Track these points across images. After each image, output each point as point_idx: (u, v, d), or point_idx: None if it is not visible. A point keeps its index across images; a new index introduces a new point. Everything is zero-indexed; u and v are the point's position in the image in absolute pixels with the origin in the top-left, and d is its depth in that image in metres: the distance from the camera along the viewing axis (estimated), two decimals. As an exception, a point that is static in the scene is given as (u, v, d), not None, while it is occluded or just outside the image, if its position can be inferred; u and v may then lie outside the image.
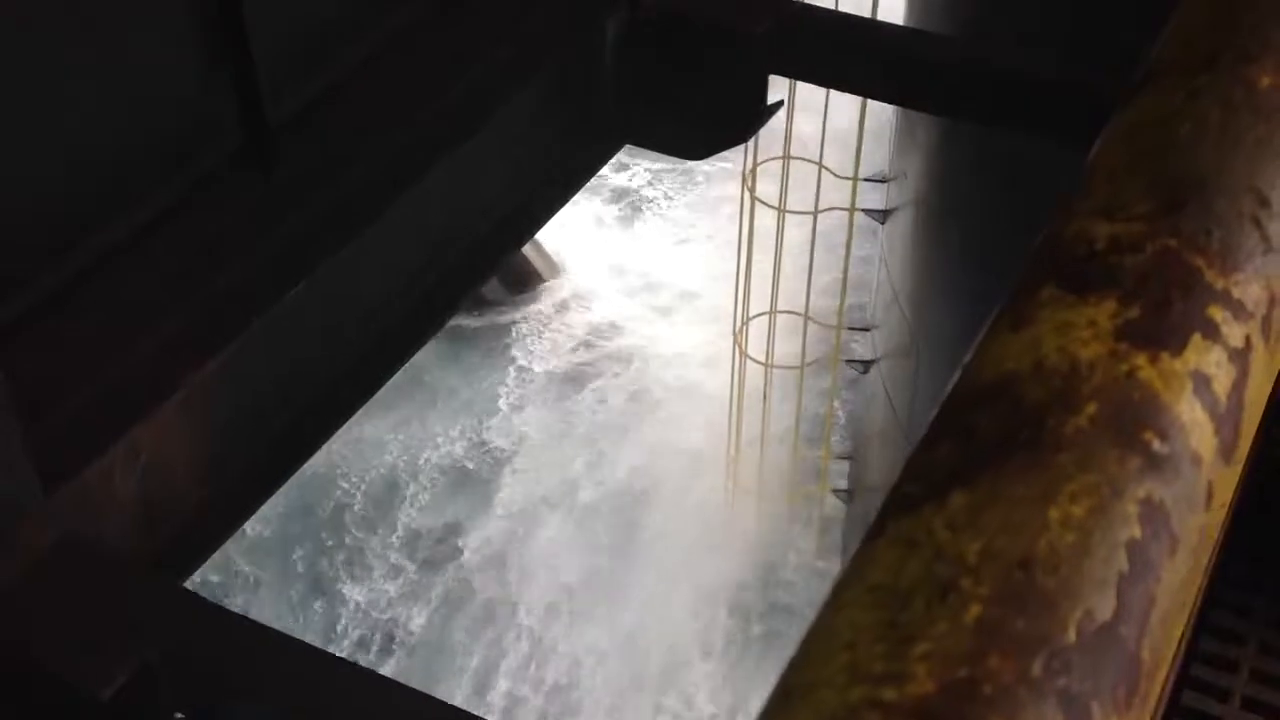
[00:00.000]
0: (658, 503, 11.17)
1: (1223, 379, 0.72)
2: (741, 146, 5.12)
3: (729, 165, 10.24)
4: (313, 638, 10.56)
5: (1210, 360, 0.72)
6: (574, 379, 12.49)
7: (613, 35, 4.13)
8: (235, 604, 10.77)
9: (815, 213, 9.47)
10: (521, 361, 12.66)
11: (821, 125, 9.24)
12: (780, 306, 9.96)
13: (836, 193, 9.42)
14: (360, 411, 3.63)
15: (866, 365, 9.83)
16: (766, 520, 10.96)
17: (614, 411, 12.09)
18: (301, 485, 11.10)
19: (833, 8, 5.14)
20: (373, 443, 11.92)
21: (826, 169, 9.40)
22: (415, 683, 4.56)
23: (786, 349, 10.14)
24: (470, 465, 11.99)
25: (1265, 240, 0.77)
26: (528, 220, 4.23)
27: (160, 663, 2.63)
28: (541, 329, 12.92)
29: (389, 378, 3.79)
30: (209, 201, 3.24)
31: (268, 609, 11.21)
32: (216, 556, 3.37)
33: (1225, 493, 0.71)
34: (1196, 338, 0.73)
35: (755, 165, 9.34)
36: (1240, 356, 0.73)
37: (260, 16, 3.15)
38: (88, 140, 2.96)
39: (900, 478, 0.67)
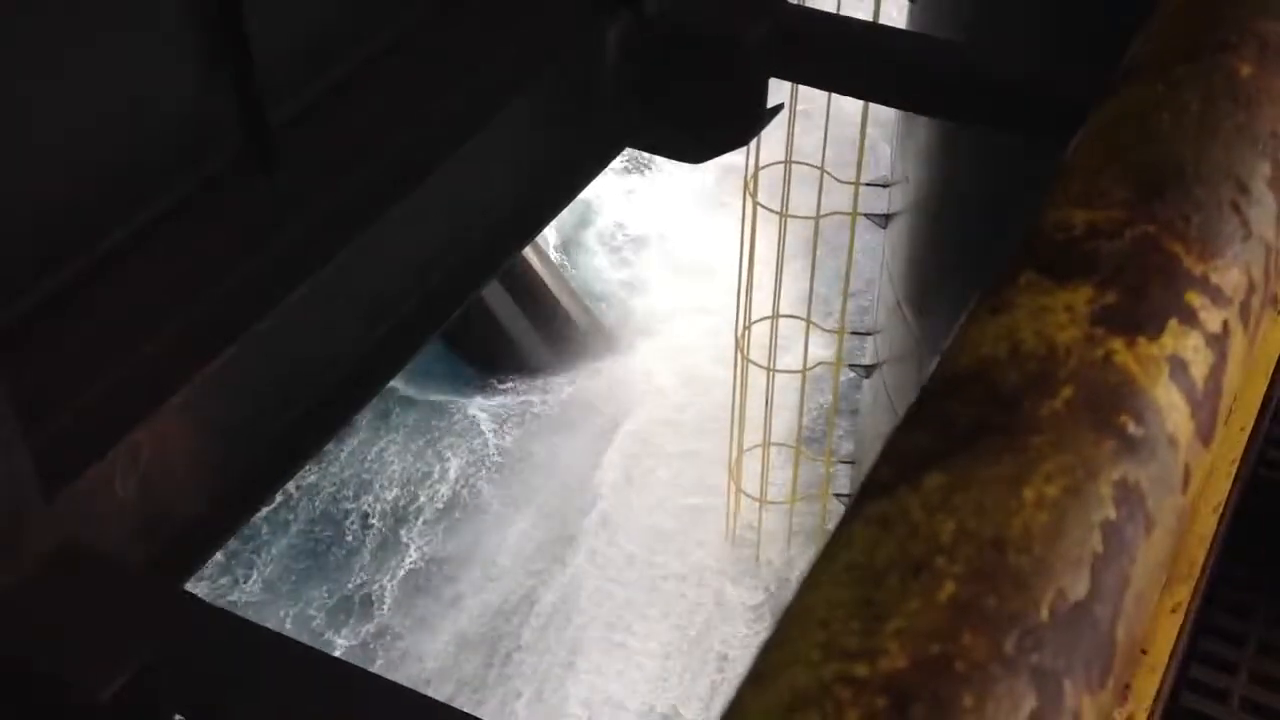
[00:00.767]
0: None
1: (1200, 364, 0.72)
2: (742, 150, 5.12)
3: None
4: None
5: (1188, 345, 0.72)
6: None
7: (614, 39, 4.14)
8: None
9: (817, 217, 9.47)
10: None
11: (824, 130, 9.25)
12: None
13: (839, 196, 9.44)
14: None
15: (869, 370, 9.82)
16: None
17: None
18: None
19: (833, 12, 5.14)
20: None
21: (828, 174, 9.41)
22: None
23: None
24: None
25: (1244, 226, 0.77)
26: (529, 222, 4.23)
27: (160, 664, 2.63)
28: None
29: (389, 380, 3.80)
30: (210, 204, 3.24)
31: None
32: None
33: (1202, 476, 0.71)
34: (1174, 323, 0.73)
35: (757, 170, 9.35)
36: (1218, 342, 0.73)
37: (261, 20, 3.15)
38: (89, 143, 2.97)
39: (877, 461, 0.68)
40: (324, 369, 3.51)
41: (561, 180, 4.29)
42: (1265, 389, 2.83)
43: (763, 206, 9.38)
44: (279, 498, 10.92)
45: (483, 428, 12.37)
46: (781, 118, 4.98)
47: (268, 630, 3.01)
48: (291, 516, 11.64)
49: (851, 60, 4.49)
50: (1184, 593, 2.54)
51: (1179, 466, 0.68)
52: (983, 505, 0.62)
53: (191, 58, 3.11)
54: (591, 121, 4.25)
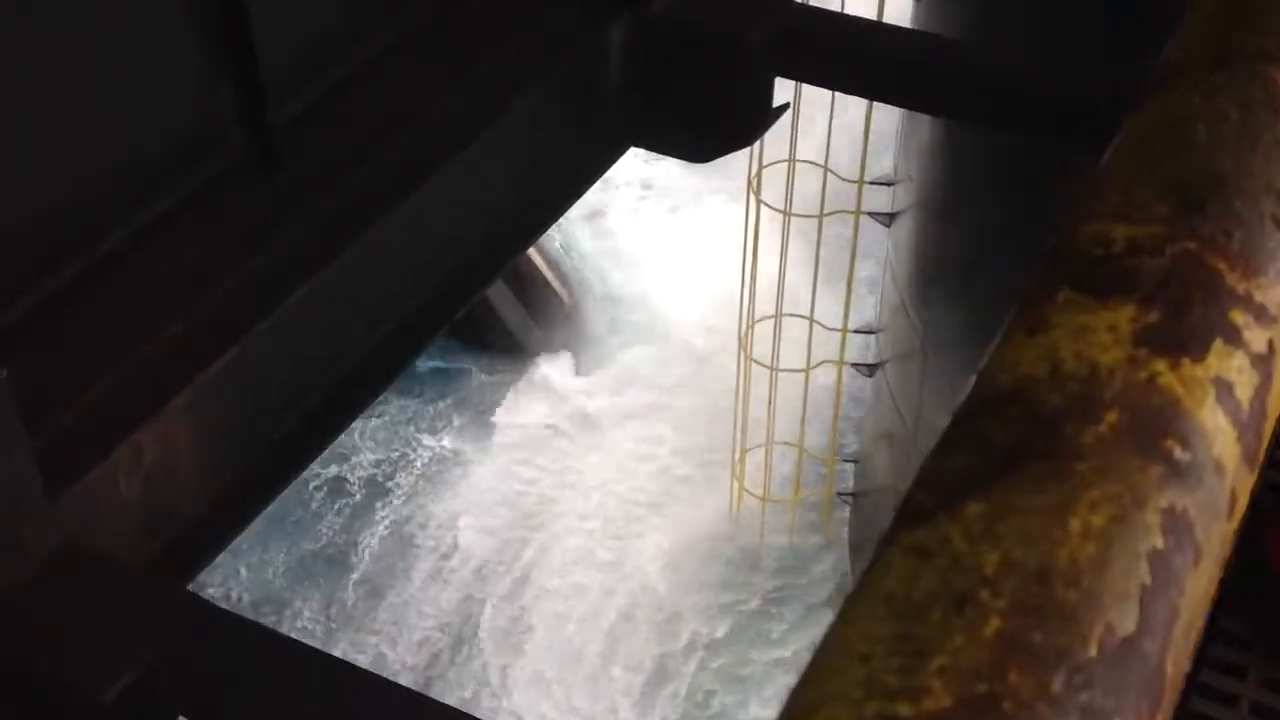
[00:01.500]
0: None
1: (1245, 385, 0.70)
2: (746, 149, 5.10)
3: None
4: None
5: (1232, 366, 0.70)
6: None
7: (618, 38, 4.12)
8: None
9: (820, 216, 9.46)
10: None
11: (828, 128, 9.23)
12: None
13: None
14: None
15: (872, 368, 9.81)
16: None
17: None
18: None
19: (838, 10, 5.12)
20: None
21: (832, 172, 9.39)
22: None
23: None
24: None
25: (1287, 242, 0.75)
26: (533, 223, 4.22)
27: (162, 665, 2.62)
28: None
29: (392, 380, 3.78)
30: (212, 204, 3.23)
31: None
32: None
33: (1245, 500, 0.69)
34: (1218, 343, 0.71)
35: (760, 168, 9.33)
36: (1263, 362, 0.71)
37: (264, 20, 3.14)
38: (91, 143, 2.95)
39: (913, 486, 0.66)
40: (326, 369, 3.49)
41: (565, 180, 4.27)
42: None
43: (766, 205, 9.36)
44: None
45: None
46: (786, 116, 4.95)
47: (271, 631, 3.00)
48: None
49: (856, 59, 4.47)
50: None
51: (1225, 492, 0.66)
52: (1027, 535, 0.60)
53: (194, 57, 3.09)
54: (595, 121, 4.23)
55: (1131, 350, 0.69)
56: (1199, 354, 0.70)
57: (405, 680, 9.90)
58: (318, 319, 3.34)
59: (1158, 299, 0.71)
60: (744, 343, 10.16)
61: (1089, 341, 0.69)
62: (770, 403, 10.30)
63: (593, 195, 4.78)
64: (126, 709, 2.58)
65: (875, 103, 7.50)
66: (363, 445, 12.12)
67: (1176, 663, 0.60)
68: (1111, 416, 0.65)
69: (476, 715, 3.23)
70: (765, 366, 10.10)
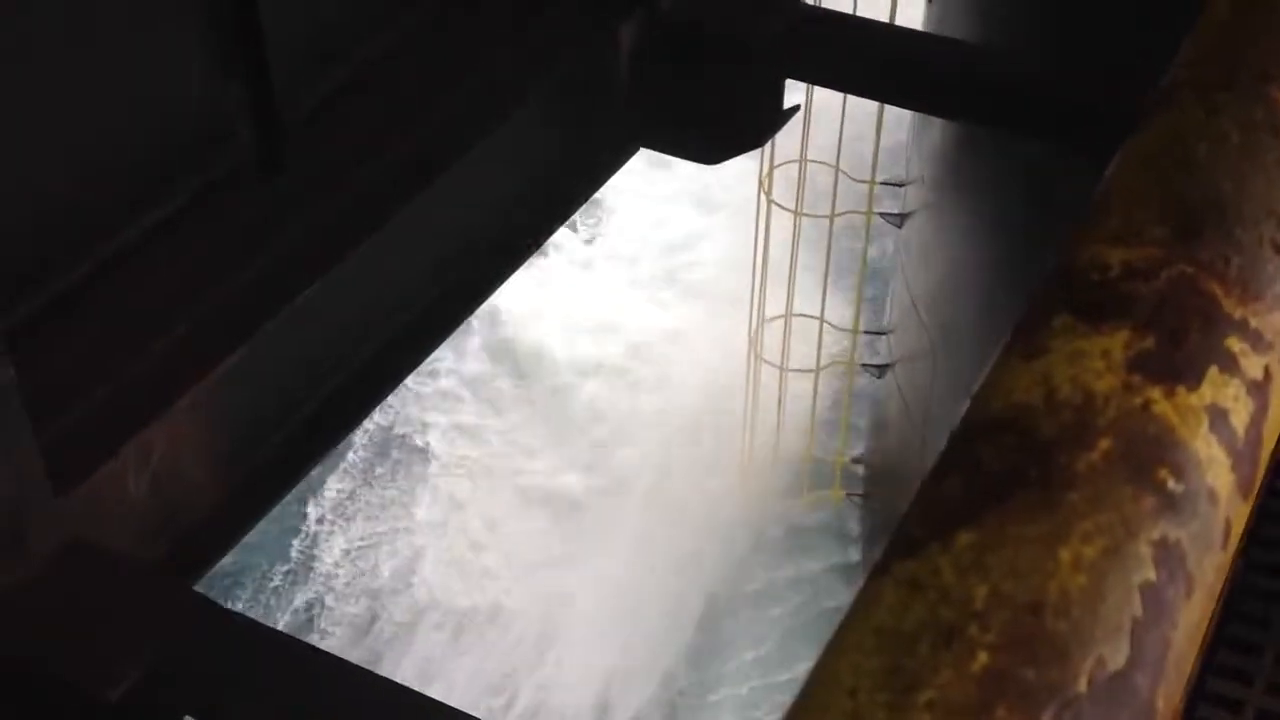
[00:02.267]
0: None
1: (1241, 413, 0.69)
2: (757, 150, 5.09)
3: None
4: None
5: (1228, 394, 0.70)
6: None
7: (628, 38, 4.11)
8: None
9: (831, 216, 9.44)
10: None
11: (839, 129, 9.22)
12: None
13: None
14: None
15: (882, 369, 9.80)
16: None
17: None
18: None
19: (850, 12, 5.11)
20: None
21: (843, 173, 9.37)
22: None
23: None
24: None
25: (1286, 267, 0.74)
26: (542, 223, 4.21)
27: (169, 665, 2.62)
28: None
29: (402, 380, 3.78)
30: (220, 203, 3.23)
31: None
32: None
33: (1240, 529, 0.69)
34: (1214, 370, 0.70)
35: (772, 168, 9.32)
36: (1259, 390, 0.71)
37: (274, 19, 3.14)
38: (99, 142, 2.95)
39: (906, 515, 0.65)
40: (334, 369, 3.49)
41: (574, 181, 4.26)
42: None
43: (777, 205, 9.35)
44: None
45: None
46: (797, 117, 4.94)
47: (279, 632, 3.00)
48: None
49: (867, 61, 4.46)
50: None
51: (1220, 522, 0.66)
52: (1017, 567, 0.60)
53: (203, 56, 3.09)
54: (604, 121, 4.22)
55: (1126, 377, 0.68)
56: (1194, 381, 0.69)
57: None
58: (325, 319, 3.34)
59: (1153, 325, 0.71)
60: (754, 342, 10.15)
61: (1083, 368, 0.68)
62: (779, 403, 10.28)
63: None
64: (131, 709, 2.59)
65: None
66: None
67: (1168, 697, 0.59)
68: (1105, 445, 0.65)
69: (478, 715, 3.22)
70: (775, 366, 10.09)
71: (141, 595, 2.75)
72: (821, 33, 4.40)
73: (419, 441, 12.02)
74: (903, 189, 9.21)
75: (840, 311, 10.17)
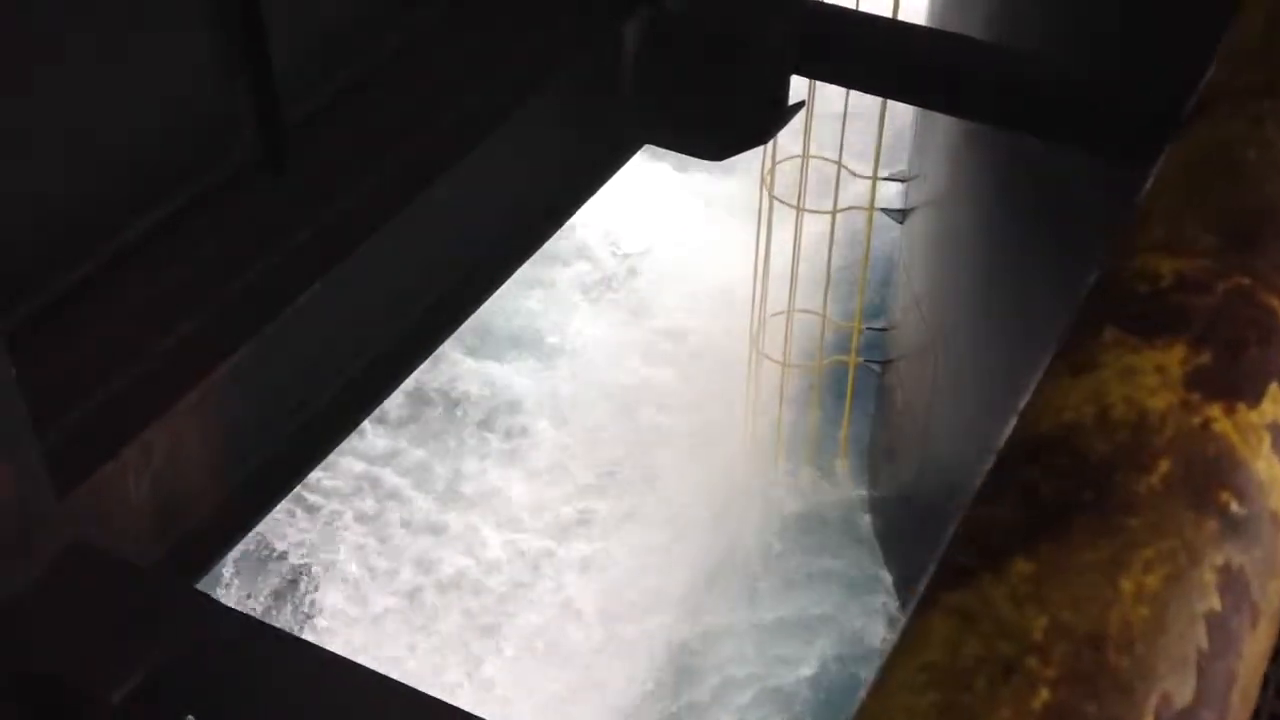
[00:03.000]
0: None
1: (1303, 431, 0.66)
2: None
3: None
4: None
5: (1289, 411, 0.67)
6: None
7: (633, 36, 4.09)
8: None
9: (834, 212, 9.42)
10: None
11: (841, 125, 9.19)
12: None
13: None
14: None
15: (884, 365, 9.78)
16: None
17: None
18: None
19: (853, 8, 5.08)
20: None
21: (845, 168, 9.34)
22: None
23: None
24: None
25: (1342, 278, 0.71)
26: (547, 221, 4.19)
27: (171, 665, 2.60)
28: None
29: (403, 379, 3.76)
30: (225, 203, 3.21)
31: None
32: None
33: (1302, 552, 0.66)
34: (1274, 386, 0.67)
35: (774, 164, 9.29)
36: (1320, 406, 0.68)
37: (279, 20, 3.11)
38: (104, 142, 2.93)
39: (952, 541, 0.62)
40: (336, 369, 3.47)
41: (579, 178, 4.24)
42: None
43: (779, 200, 9.32)
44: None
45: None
46: (800, 113, 4.91)
47: (281, 631, 2.97)
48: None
49: (871, 57, 4.44)
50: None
51: (1282, 546, 0.63)
52: (1077, 597, 0.57)
53: (208, 57, 3.07)
54: (609, 119, 4.20)
55: (1183, 394, 0.65)
56: (1254, 398, 0.66)
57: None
58: (328, 319, 3.32)
59: (1209, 339, 0.68)
60: (756, 338, 10.13)
61: (1137, 384, 0.65)
62: (780, 399, 10.26)
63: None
64: (135, 710, 2.57)
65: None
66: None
67: (1233, 730, 0.57)
68: (1164, 466, 0.62)
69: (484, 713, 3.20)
70: (776, 362, 10.07)
71: (143, 595, 2.73)
72: (825, 29, 4.38)
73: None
74: (905, 184, 9.19)
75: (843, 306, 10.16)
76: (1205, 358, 0.67)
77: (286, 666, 2.76)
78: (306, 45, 3.31)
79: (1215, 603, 0.59)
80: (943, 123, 7.65)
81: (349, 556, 10.65)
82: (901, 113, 8.78)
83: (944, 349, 8.17)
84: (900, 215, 9.18)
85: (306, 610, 10.36)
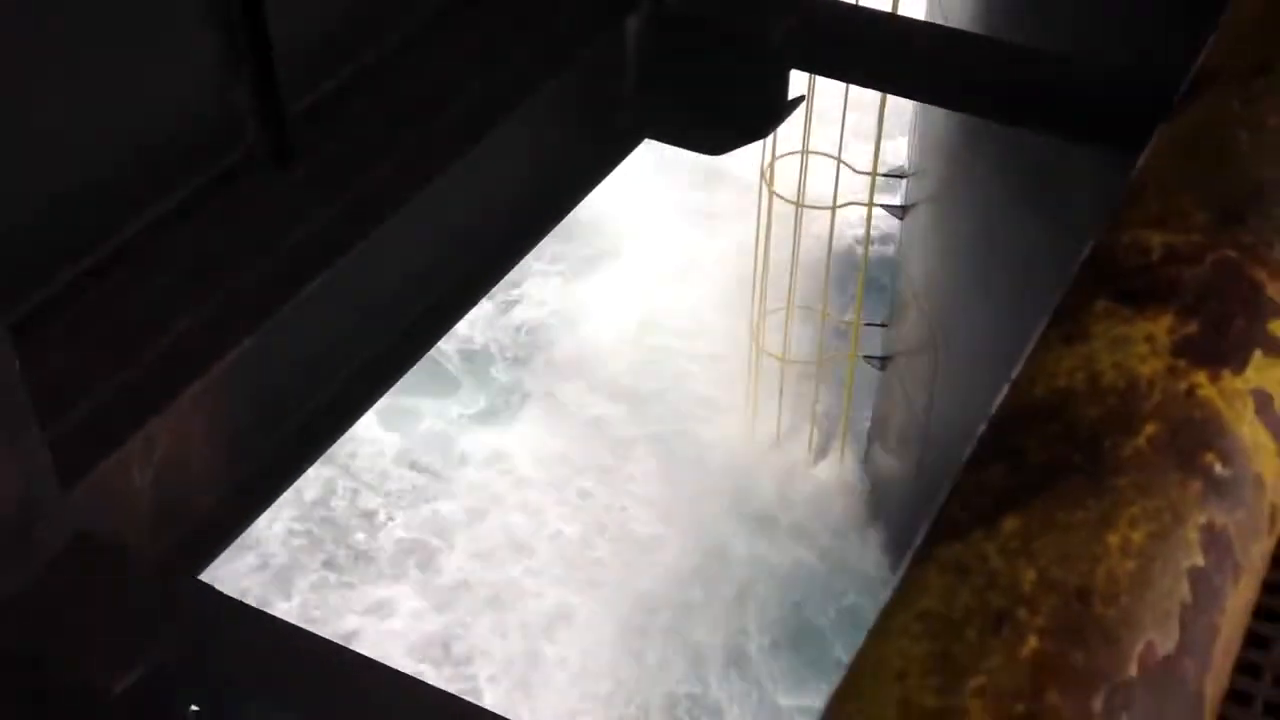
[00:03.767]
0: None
1: (1285, 397, 0.68)
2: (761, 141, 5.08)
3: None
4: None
5: (1273, 378, 0.69)
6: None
7: (634, 30, 4.11)
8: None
9: (834, 208, 9.43)
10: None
11: (840, 120, 9.20)
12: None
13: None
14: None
15: (884, 361, 9.79)
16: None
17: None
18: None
19: (854, 3, 5.10)
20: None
21: (845, 164, 9.36)
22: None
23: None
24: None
25: (1327, 252, 0.73)
26: (548, 214, 4.21)
27: (176, 657, 2.62)
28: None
29: (405, 371, 3.78)
30: (228, 196, 3.22)
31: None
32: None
33: (1285, 515, 0.68)
34: (1258, 354, 0.69)
35: (774, 160, 9.30)
36: (1303, 373, 0.70)
37: (281, 12, 3.13)
38: (107, 136, 2.94)
39: (947, 500, 0.64)
40: (340, 361, 3.49)
41: (580, 172, 4.26)
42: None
43: (779, 196, 9.34)
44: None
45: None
46: (800, 108, 4.93)
47: (285, 623, 2.99)
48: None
49: (871, 52, 4.45)
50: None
51: (1265, 508, 0.65)
52: (1066, 552, 0.59)
53: (210, 50, 3.08)
54: (610, 113, 4.22)
55: (1171, 361, 0.67)
56: (1239, 366, 0.68)
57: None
58: (331, 312, 3.34)
59: (1197, 309, 0.70)
60: (755, 335, 10.15)
61: (1128, 352, 0.67)
62: (780, 395, 10.28)
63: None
64: (138, 702, 2.58)
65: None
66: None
67: (1216, 683, 0.59)
68: (1151, 430, 0.64)
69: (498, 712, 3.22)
70: (776, 358, 10.09)
71: (147, 587, 2.74)
72: (825, 24, 4.40)
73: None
74: (904, 180, 9.20)
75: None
76: (1193, 327, 0.69)
77: (290, 657, 2.77)
78: (309, 37, 3.33)
79: (1199, 559, 0.61)
80: (941, 117, 7.66)
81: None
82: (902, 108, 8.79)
83: (944, 343, 8.19)
84: (900, 211, 9.20)
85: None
